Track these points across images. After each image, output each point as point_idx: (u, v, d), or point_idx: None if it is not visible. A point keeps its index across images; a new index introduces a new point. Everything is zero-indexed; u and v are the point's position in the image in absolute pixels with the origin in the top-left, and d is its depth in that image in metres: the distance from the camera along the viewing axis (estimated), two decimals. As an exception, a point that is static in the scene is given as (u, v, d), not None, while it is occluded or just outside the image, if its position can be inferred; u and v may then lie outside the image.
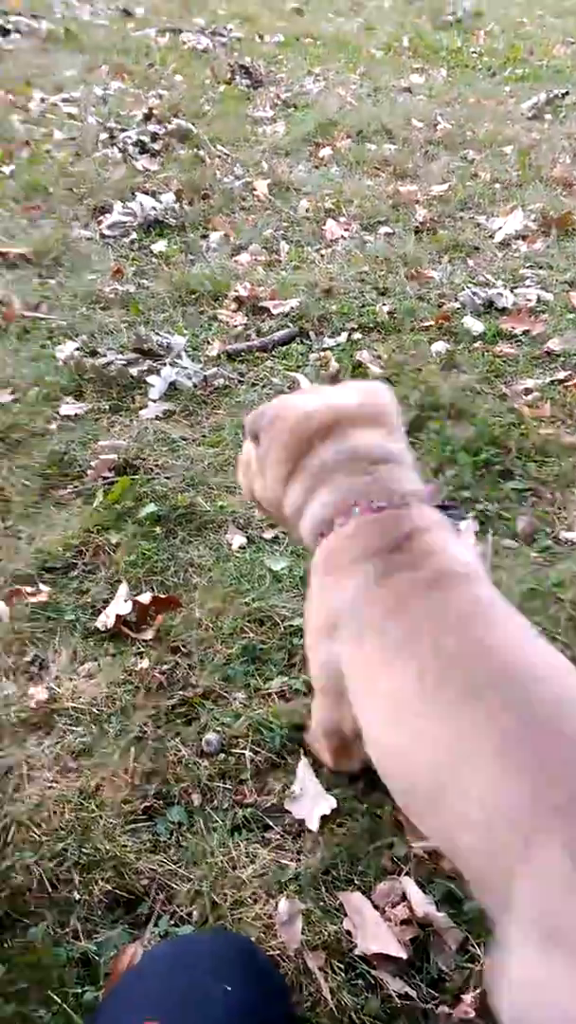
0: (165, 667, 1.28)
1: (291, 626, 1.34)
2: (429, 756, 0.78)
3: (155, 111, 3.31)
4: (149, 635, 1.33)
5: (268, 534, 1.55)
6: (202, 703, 1.23)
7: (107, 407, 1.84)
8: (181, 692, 1.24)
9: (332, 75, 3.93)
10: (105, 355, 1.99)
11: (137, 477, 1.62)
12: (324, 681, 0.97)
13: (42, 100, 3.39)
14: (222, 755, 1.16)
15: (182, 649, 1.31)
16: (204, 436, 1.78)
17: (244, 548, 1.51)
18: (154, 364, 1.96)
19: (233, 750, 1.17)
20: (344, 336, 2.12)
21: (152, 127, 3.17)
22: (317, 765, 1.14)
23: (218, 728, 1.19)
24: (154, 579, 1.44)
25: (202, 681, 1.26)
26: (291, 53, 4.19)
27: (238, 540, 1.52)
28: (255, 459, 1.08)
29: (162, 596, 1.38)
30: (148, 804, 1.09)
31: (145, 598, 1.36)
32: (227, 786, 1.12)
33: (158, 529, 1.52)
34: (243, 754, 1.16)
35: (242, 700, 1.24)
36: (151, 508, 1.54)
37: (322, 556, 0.97)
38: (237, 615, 1.36)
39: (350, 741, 0.99)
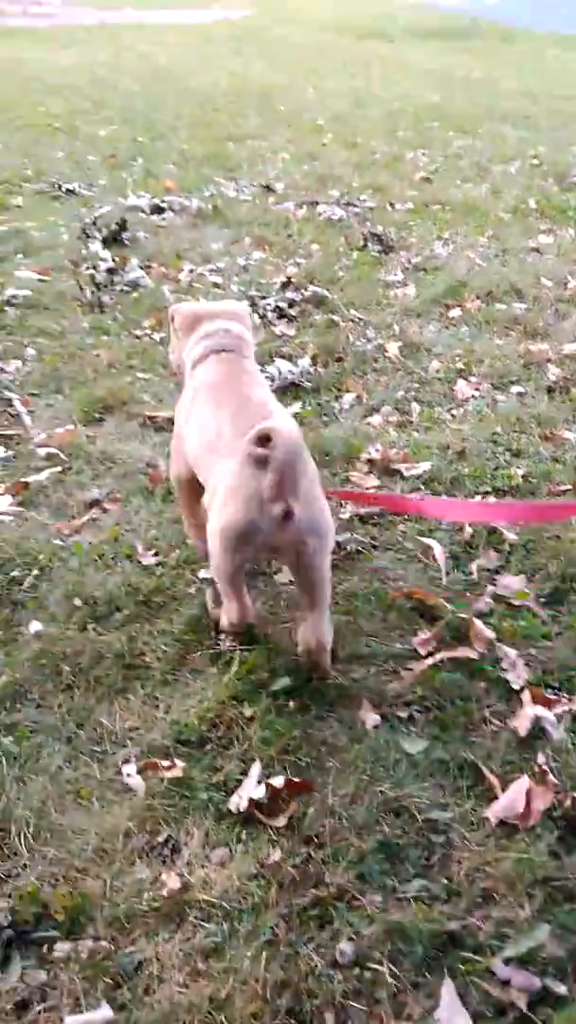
0: (298, 860, 1.24)
1: (429, 820, 1.29)
2: (207, 437, 1.61)
3: (293, 279, 3.55)
4: (281, 822, 1.30)
5: (403, 711, 1.52)
6: (335, 904, 1.18)
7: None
8: (314, 890, 1.20)
9: (460, 238, 4.13)
10: (242, 517, 2.06)
11: (272, 646, 1.63)
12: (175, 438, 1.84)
13: (191, 271, 3.70)
14: (357, 968, 1.10)
15: (315, 840, 1.27)
16: (336, 603, 1.79)
17: (378, 727, 1.48)
18: (289, 528, 2.02)
19: (369, 963, 1.10)
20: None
21: (290, 294, 3.39)
22: (463, 990, 1.05)
23: (352, 935, 1.13)
24: (287, 759, 1.42)
25: (336, 879, 1.21)
26: (420, 219, 4.43)
27: (372, 718, 1.49)
28: (172, 334, 1.95)
29: (295, 780, 1.35)
30: (279, 1022, 1.03)
31: (278, 781, 1.34)
32: (362, 1007, 1.05)
33: (291, 704, 1.52)
34: (379, 969, 1.09)
35: (378, 904, 1.18)
36: (285, 681, 1.54)
37: (195, 378, 1.76)
38: (372, 804, 1.32)
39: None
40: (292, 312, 3.28)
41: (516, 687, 1.53)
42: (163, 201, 4.65)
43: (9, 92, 8.17)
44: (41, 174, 5.24)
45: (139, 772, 1.41)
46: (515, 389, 2.72)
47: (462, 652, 1.61)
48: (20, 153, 5.75)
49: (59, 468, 2.27)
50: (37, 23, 15.76)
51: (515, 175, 5.38)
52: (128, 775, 1.41)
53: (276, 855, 1.24)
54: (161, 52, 11.62)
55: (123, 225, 4.01)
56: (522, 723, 1.44)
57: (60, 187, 4.92)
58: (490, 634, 1.63)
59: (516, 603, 1.75)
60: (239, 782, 1.38)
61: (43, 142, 6.11)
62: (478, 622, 1.66)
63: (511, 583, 1.78)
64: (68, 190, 4.87)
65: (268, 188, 4.98)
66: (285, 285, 3.49)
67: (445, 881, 1.21)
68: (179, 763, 1.42)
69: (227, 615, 1.63)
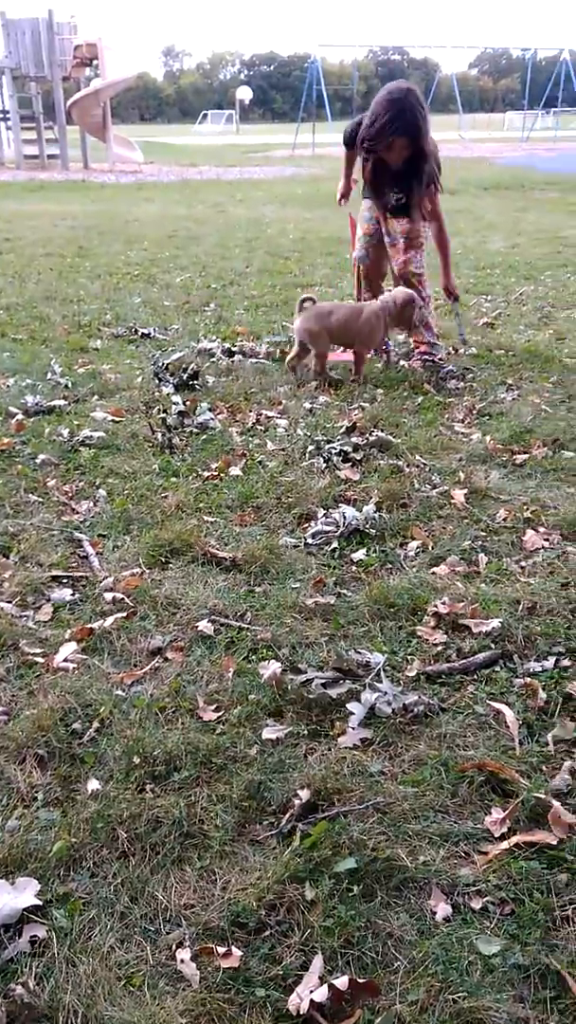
0: (363, 1081, 1.13)
1: (508, 1041, 1.17)
2: None
3: (357, 423, 3.62)
4: (345, 1031, 1.20)
5: (476, 902, 1.41)
6: None
7: (306, 732, 1.83)
8: None
9: (525, 384, 4.19)
10: (305, 671, 2.02)
11: (336, 821, 1.56)
12: None
13: (258, 414, 3.82)
14: None
15: (382, 1056, 1.16)
16: (404, 772, 1.71)
17: (450, 920, 1.38)
18: (353, 685, 1.97)
19: None
20: (552, 661, 2.04)
21: (355, 438, 3.45)
22: None
23: None
24: (350, 952, 1.32)
25: None
26: (484, 364, 4.53)
27: (443, 909, 1.39)
28: None
29: (360, 980, 1.25)
30: None
31: (342, 982, 1.24)
32: None
33: (355, 888, 1.43)
34: None
35: None
36: (349, 863, 1.45)
37: None
38: (444, 1014, 1.21)
39: None
40: (356, 456, 3.33)
41: (600, 881, 1.41)
42: (234, 345, 4.86)
43: (92, 241, 8.84)
44: (119, 319, 5.58)
45: (194, 958, 1.33)
46: (585, 540, 2.67)
47: (540, 837, 1.51)
48: (102, 299, 6.14)
49: (124, 613, 2.28)
50: (123, 179, 17.20)
51: (577, 321, 5.49)
52: (182, 960, 1.33)
53: (339, 1074, 1.13)
54: (235, 206, 12.50)
55: (195, 375, 4.20)
56: (609, 926, 1.32)
57: (136, 331, 5.21)
58: (570, 818, 1.53)
59: (596, 781, 1.65)
60: (299, 977, 1.28)
61: (123, 288, 6.53)
62: (556, 803, 1.56)
63: (589, 758, 1.68)
64: (144, 334, 5.15)
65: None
66: (350, 430, 3.56)
67: None
68: (236, 950, 1.33)
69: None
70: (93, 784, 1.67)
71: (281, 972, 1.30)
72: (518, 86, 77.16)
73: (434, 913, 1.39)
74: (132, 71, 20.53)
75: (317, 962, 1.29)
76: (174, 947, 1.35)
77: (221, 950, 1.33)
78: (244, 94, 55.00)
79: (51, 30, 18.45)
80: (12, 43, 18.43)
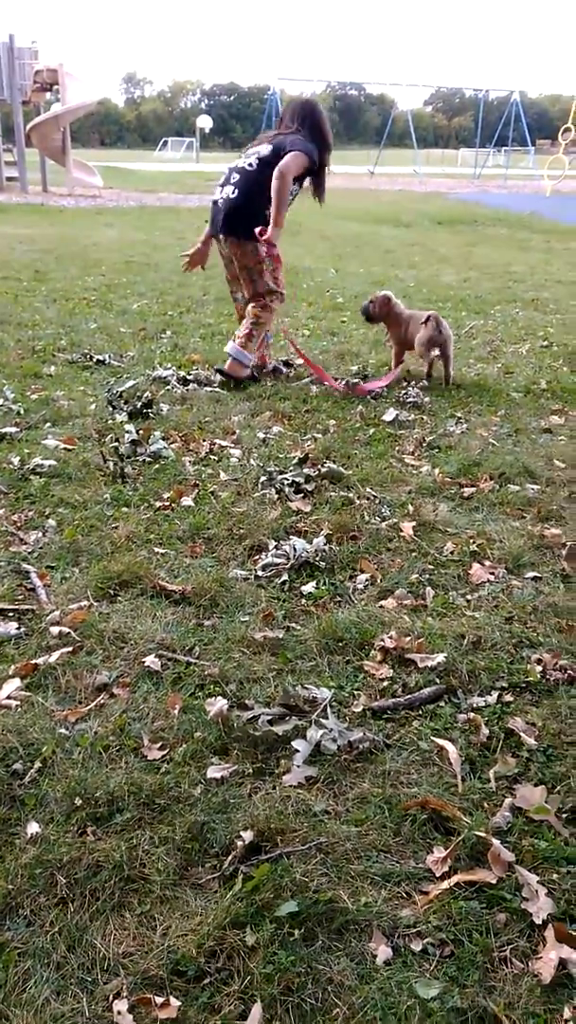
0: None
1: None
2: None
3: (310, 454, 3.65)
4: None
5: (416, 943, 1.41)
6: None
7: (251, 770, 1.82)
8: None
9: (473, 417, 4.27)
10: (252, 707, 2.01)
11: (278, 863, 1.55)
12: None
13: (212, 444, 3.83)
14: None
15: None
16: (347, 810, 1.71)
17: (390, 963, 1.37)
18: (299, 722, 1.97)
19: None
20: (494, 696, 2.07)
21: (307, 469, 3.48)
22: None
23: None
24: (290, 999, 1.31)
25: None
26: (435, 396, 4.61)
27: (383, 952, 1.39)
28: None
29: (299, 1028, 1.24)
30: None
31: (281, 1031, 1.23)
32: None
33: (296, 932, 1.42)
34: None
35: None
36: (291, 907, 1.44)
37: None
38: (382, 1063, 1.20)
39: None
40: (308, 487, 3.35)
41: (538, 921, 1.43)
42: (189, 374, 4.87)
43: (49, 266, 8.80)
44: (75, 344, 5.55)
45: (131, 1009, 1.31)
46: (530, 574, 2.72)
47: (480, 876, 1.51)
48: (57, 324, 6.11)
49: (70, 648, 2.25)
50: (82, 203, 17.19)
51: (527, 355, 5.62)
52: (119, 1012, 1.30)
53: None
54: (194, 233, 12.58)
55: (150, 403, 4.20)
56: (546, 967, 1.33)
57: (91, 358, 5.19)
58: (509, 856, 1.54)
59: (536, 818, 1.67)
60: (238, 1026, 1.27)
61: (79, 314, 6.51)
62: (496, 842, 1.57)
63: (530, 795, 1.70)
64: (99, 360, 5.13)
65: (287, 364, 5.23)
66: (303, 460, 3.58)
67: None
68: (174, 1000, 1.31)
69: None
70: (33, 827, 1.64)
71: (220, 1022, 1.28)
72: (471, 124, 79.35)
73: (375, 956, 1.38)
74: (93, 97, 20.56)
75: (256, 1011, 1.28)
76: (111, 998, 1.33)
77: (159, 1000, 1.31)
78: (204, 123, 55.50)
79: (11, 54, 18.47)
80: (-29, 66, 18.39)
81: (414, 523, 3.05)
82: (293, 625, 2.42)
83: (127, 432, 3.81)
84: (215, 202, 4.60)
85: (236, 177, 4.49)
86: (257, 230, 4.40)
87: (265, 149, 4.47)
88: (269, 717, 1.98)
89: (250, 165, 4.47)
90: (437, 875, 1.53)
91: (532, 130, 38.19)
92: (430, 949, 1.40)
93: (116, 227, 13.03)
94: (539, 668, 2.16)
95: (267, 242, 4.42)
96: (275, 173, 4.29)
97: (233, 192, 4.48)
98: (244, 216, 4.47)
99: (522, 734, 1.91)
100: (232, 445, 3.84)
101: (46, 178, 20.68)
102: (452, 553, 2.86)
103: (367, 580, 2.68)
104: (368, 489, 3.34)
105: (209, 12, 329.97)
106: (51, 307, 6.75)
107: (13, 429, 3.89)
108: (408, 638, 2.31)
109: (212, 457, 3.70)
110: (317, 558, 2.77)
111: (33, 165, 21.00)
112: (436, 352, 4.74)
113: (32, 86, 18.90)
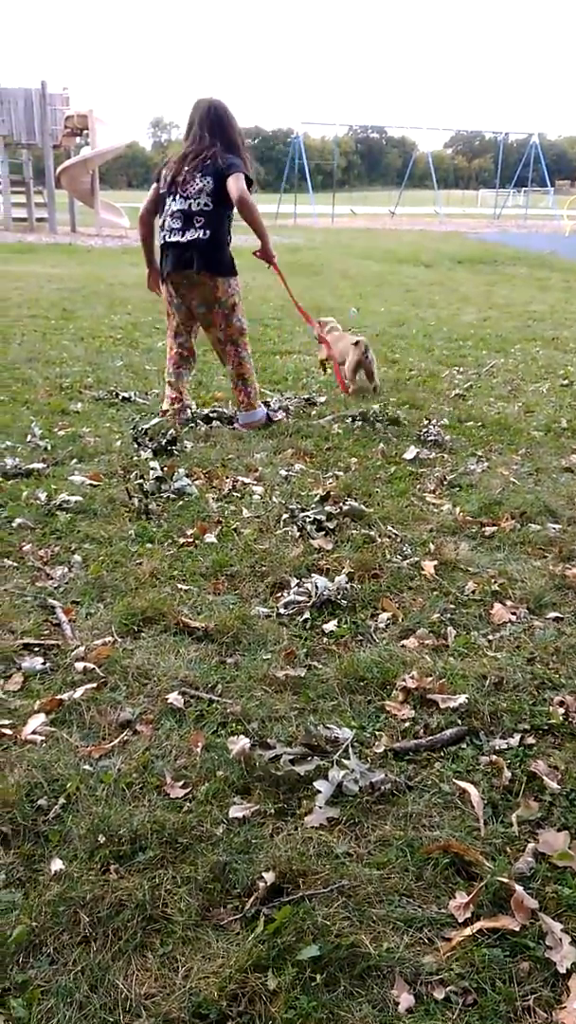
0: None
1: None
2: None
3: (331, 491, 3.68)
4: None
5: (439, 991, 1.40)
6: None
7: (273, 810, 1.83)
8: None
9: (494, 456, 4.29)
10: (274, 747, 2.02)
11: (300, 905, 1.55)
12: None
13: (235, 480, 3.87)
14: None
15: None
16: (369, 853, 1.71)
17: (412, 1011, 1.36)
18: (321, 762, 1.97)
19: None
20: (516, 739, 2.06)
21: (328, 507, 3.51)
22: None
23: None
24: (312, 1045, 1.31)
25: None
26: (455, 435, 4.64)
27: (406, 1000, 1.38)
28: None
29: (321, 1075, 1.24)
30: None
31: (302, 1077, 1.23)
32: None
33: (318, 976, 1.41)
34: None
35: None
36: (313, 951, 1.44)
37: None
38: None
39: None
40: (330, 525, 3.37)
41: (562, 970, 1.41)
42: (213, 411, 4.94)
43: (76, 304, 8.99)
44: (101, 382, 5.66)
45: (152, 1051, 1.31)
46: (551, 614, 2.71)
47: (503, 923, 1.50)
48: (84, 362, 6.24)
49: (94, 684, 2.28)
50: (109, 243, 17.57)
51: (547, 393, 5.65)
52: (140, 1054, 1.31)
53: None
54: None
55: (174, 440, 4.26)
56: (570, 1018, 1.32)
57: (117, 395, 5.28)
58: (532, 903, 1.53)
59: (560, 864, 1.66)
60: (259, 1071, 1.26)
61: (105, 352, 6.64)
62: (519, 888, 1.56)
63: (553, 841, 1.69)
64: (124, 398, 5.23)
65: (310, 402, 5.29)
66: (324, 498, 3.61)
67: None
68: (196, 1044, 1.31)
69: None
70: (57, 864, 1.65)
71: (241, 1066, 1.28)
72: (491, 166, 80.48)
73: (397, 1003, 1.38)
74: (121, 141, 21.14)
75: (278, 1056, 1.28)
76: (133, 1039, 1.33)
77: (181, 1043, 1.31)
78: (229, 164, 56.57)
79: (44, 100, 19.06)
80: (5, 111, 18.99)
81: (435, 562, 3.06)
82: (315, 663, 2.43)
83: (152, 469, 3.87)
84: (174, 244, 4.55)
85: (201, 220, 4.50)
86: (255, 253, 4.84)
87: (206, 183, 4.45)
88: (291, 757, 1.99)
89: (206, 206, 4.50)
90: (460, 921, 1.53)
91: (551, 171, 38.66)
92: (453, 997, 1.39)
93: (141, 266, 13.27)
94: (561, 711, 2.15)
95: (271, 259, 4.89)
96: (237, 203, 4.43)
97: (204, 233, 4.52)
98: (216, 252, 4.56)
99: (545, 777, 1.90)
100: (255, 482, 3.88)
101: (75, 219, 21.20)
102: (474, 592, 2.86)
103: (388, 619, 2.69)
104: (389, 527, 3.36)
105: (233, 58, 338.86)
106: (78, 345, 6.89)
107: (41, 465, 3.96)
108: (430, 678, 2.32)
109: (235, 494, 3.74)
110: (339, 596, 2.79)
111: (62, 206, 21.54)
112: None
113: (63, 131, 19.46)
